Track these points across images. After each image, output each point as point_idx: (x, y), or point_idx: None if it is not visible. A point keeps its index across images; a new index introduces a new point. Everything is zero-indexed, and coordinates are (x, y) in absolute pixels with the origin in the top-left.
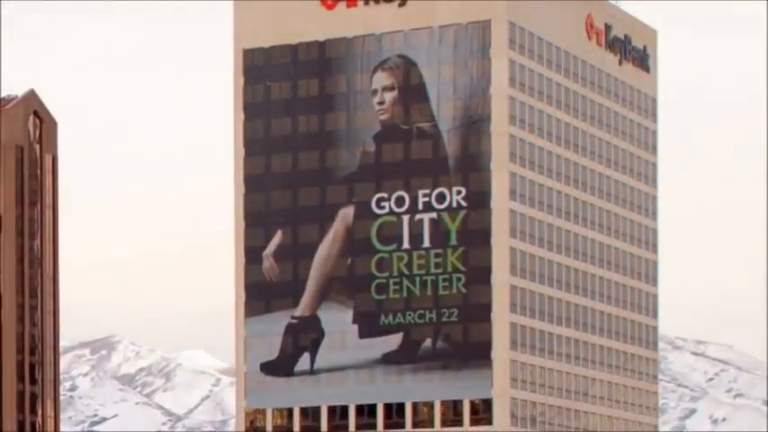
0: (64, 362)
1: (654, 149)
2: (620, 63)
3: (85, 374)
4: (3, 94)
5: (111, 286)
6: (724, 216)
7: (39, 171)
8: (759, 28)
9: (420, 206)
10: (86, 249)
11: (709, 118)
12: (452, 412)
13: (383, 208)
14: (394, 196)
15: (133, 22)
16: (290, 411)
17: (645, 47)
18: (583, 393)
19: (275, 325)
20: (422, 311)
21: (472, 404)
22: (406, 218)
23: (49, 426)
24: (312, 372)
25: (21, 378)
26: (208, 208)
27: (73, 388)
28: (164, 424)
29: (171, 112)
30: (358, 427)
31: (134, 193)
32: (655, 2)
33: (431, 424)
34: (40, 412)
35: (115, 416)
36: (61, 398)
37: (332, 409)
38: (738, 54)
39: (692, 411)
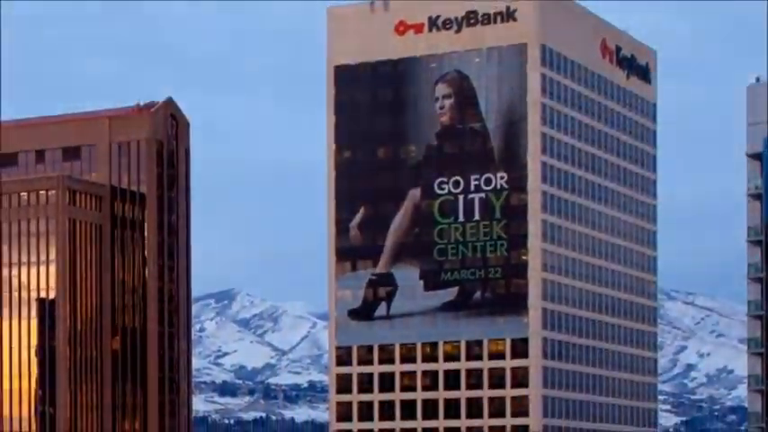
0: (194, 309)
1: (654, 144)
2: (628, 77)
3: (211, 319)
4: (147, 101)
5: (231, 251)
6: (710, 195)
7: (175, 161)
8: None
9: (472, 188)
10: (212, 224)
11: (696, 119)
12: (497, 348)
13: (443, 189)
14: (452, 180)
15: (247, 49)
16: (370, 348)
17: (647, 63)
18: (599, 334)
19: (359, 280)
20: (473, 270)
21: (512, 342)
22: (461, 197)
23: (183, 359)
24: (388, 317)
25: (161, 322)
26: (306, 189)
27: (201, 330)
28: (272, 357)
29: (277, 114)
30: (423, 360)
31: (247, 178)
32: (654, 29)
33: (480, 358)
34: (176, 348)
35: (235, 351)
36: (192, 337)
37: (403, 346)
38: (721, 71)
39: (683, 348)
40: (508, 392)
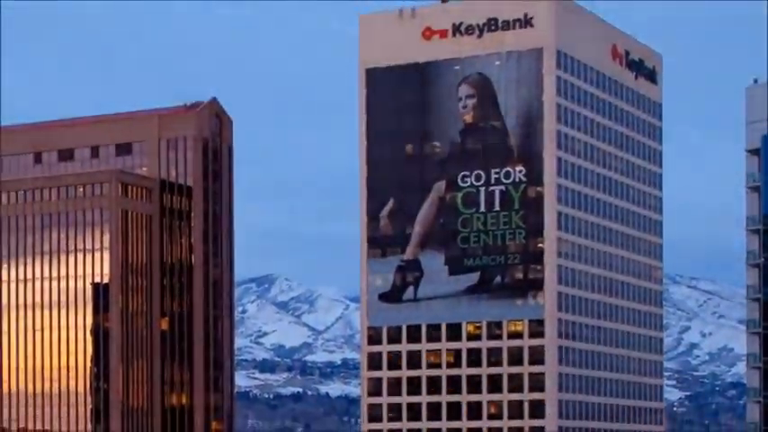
0: (237, 293)
1: (659, 140)
2: (636, 78)
3: (252, 302)
4: (193, 101)
5: (271, 239)
6: (712, 187)
7: (219, 156)
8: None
9: (492, 181)
10: (254, 213)
11: (698, 117)
12: (515, 329)
13: (466, 182)
14: (474, 174)
15: (285, 52)
16: (398, 328)
17: (654, 66)
18: (610, 315)
19: (389, 266)
20: (493, 256)
21: (530, 323)
22: (482, 189)
23: (227, 339)
24: (415, 300)
25: (206, 305)
26: (339, 183)
27: (243, 311)
28: (308, 337)
29: (313, 113)
30: (447, 339)
31: (286, 172)
32: (660, 35)
33: (500, 337)
34: (220, 329)
35: (274, 331)
36: (235, 319)
37: (429, 327)
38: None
39: (687, 328)
40: (526, 369)
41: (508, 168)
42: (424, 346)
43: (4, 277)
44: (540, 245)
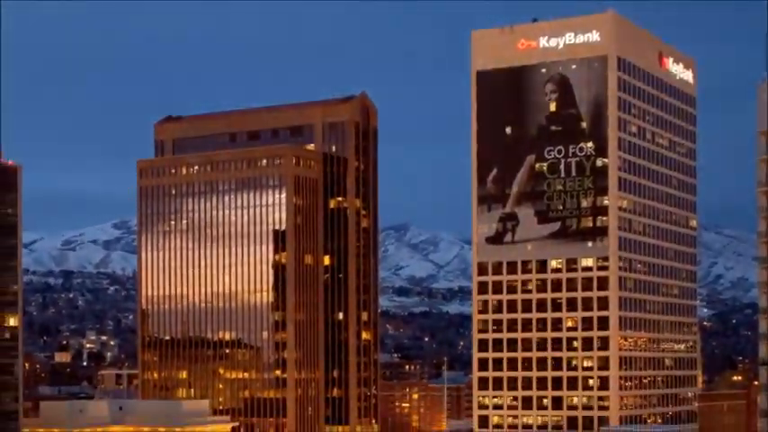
0: (380, 237)
1: (694, 123)
2: (677, 77)
3: (392, 244)
4: (348, 94)
5: (406, 196)
6: (737, 158)
7: (367, 136)
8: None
9: (570, 154)
10: (393, 179)
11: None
12: (587, 264)
13: (550, 155)
14: (556, 149)
15: (417, 54)
16: (500, 263)
17: (690, 68)
18: (657, 253)
19: (493, 217)
20: (570, 210)
21: (598, 259)
22: (562, 160)
23: (373, 271)
24: (513, 242)
25: (358, 246)
26: (457, 155)
27: (385, 251)
28: (433, 269)
29: (431, 107)
30: (536, 272)
31: (418, 149)
32: (696, 42)
33: (575, 270)
34: (370, 264)
35: (408, 266)
36: (379, 256)
37: (523, 262)
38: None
39: (714, 263)
40: (595, 294)
41: (581, 144)
42: (519, 276)
43: (212, 223)
44: (605, 201)
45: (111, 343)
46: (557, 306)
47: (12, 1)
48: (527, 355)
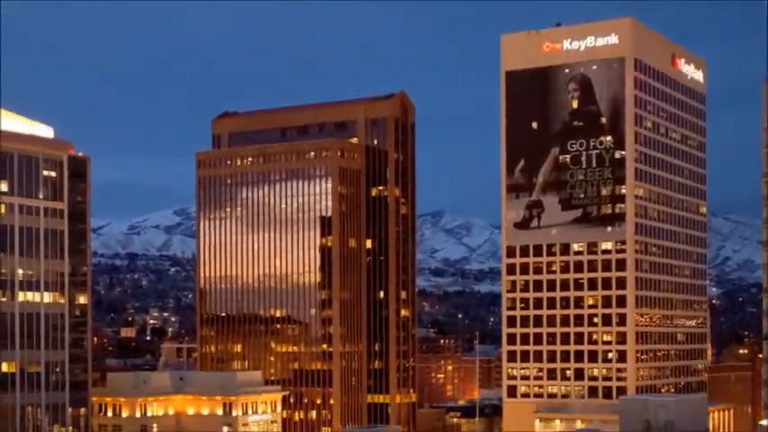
0: (418, 222)
1: (704, 119)
2: (688, 77)
3: (428, 229)
4: (388, 92)
5: (441, 185)
6: (744, 148)
7: (405, 131)
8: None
9: (591, 147)
10: (430, 167)
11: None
12: (606, 247)
13: (573, 148)
14: (578, 142)
15: (450, 58)
16: (527, 246)
17: (701, 68)
18: (671, 237)
19: (521, 204)
20: (591, 197)
21: (616, 243)
22: (584, 153)
23: (411, 253)
24: (539, 227)
25: (397, 230)
26: (487, 147)
27: (422, 235)
28: (466, 252)
29: (465, 104)
30: (560, 254)
31: (449, 141)
32: (706, 44)
33: (596, 253)
34: (409, 246)
35: (442, 249)
36: (416, 240)
37: (548, 245)
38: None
39: (723, 246)
40: (613, 274)
41: (601, 138)
42: (544, 258)
43: (264, 210)
44: (623, 190)
45: (173, 319)
46: (579, 285)
47: (99, 1)
48: (551, 330)
